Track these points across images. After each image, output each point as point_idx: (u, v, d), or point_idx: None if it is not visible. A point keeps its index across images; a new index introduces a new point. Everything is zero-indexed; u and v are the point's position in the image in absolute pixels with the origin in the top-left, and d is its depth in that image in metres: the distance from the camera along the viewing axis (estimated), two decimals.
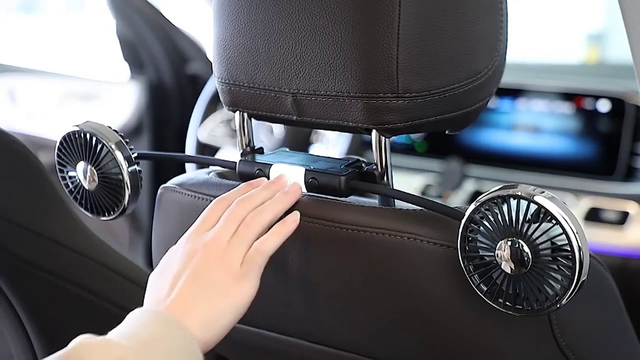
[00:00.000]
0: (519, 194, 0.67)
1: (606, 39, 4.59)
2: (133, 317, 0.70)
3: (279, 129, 2.04)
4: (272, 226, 0.76)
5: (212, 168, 0.93)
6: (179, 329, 0.68)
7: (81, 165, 0.87)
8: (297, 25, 0.76)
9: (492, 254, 0.69)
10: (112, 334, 0.68)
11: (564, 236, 0.66)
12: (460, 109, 0.78)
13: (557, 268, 0.67)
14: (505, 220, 0.68)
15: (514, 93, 1.90)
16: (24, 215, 1.06)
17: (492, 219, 0.69)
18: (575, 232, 0.66)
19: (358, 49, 0.73)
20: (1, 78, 2.92)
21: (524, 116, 1.88)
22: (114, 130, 0.87)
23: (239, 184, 0.84)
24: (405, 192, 0.77)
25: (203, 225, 0.76)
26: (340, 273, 0.77)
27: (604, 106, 1.78)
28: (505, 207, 0.68)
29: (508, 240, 0.68)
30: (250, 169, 0.84)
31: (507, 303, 0.69)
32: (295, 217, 0.77)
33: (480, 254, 0.69)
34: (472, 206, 0.70)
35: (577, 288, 0.67)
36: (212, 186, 0.85)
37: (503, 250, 0.68)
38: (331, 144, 2.01)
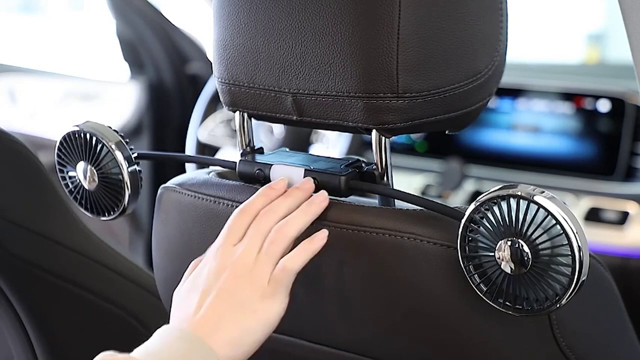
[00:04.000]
0: (519, 193, 0.67)
1: (606, 39, 4.59)
2: (159, 334, 0.71)
3: (279, 129, 2.04)
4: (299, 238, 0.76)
5: (212, 168, 0.93)
6: (203, 348, 0.69)
7: (81, 165, 0.87)
8: (297, 25, 0.76)
9: (492, 254, 0.69)
10: (137, 351, 0.69)
11: (564, 236, 0.66)
12: (460, 109, 0.78)
13: (557, 268, 0.67)
14: (505, 220, 0.68)
15: (514, 93, 1.89)
16: (24, 215, 1.06)
17: (492, 219, 0.69)
18: (575, 232, 0.66)
19: (358, 49, 0.73)
20: (1, 78, 2.92)
21: (524, 116, 1.88)
22: (114, 130, 0.87)
23: (240, 184, 0.84)
24: (405, 192, 0.77)
25: (229, 238, 0.75)
26: (340, 273, 0.77)
27: (604, 106, 1.78)
28: (505, 207, 0.68)
29: (508, 240, 0.68)
30: (250, 169, 0.84)
31: (507, 303, 0.69)
32: (323, 235, 0.75)
33: (480, 254, 0.69)
34: (472, 206, 0.70)
35: (577, 288, 0.66)
36: (212, 186, 0.85)
37: (503, 250, 0.68)
38: (331, 144, 2.01)
